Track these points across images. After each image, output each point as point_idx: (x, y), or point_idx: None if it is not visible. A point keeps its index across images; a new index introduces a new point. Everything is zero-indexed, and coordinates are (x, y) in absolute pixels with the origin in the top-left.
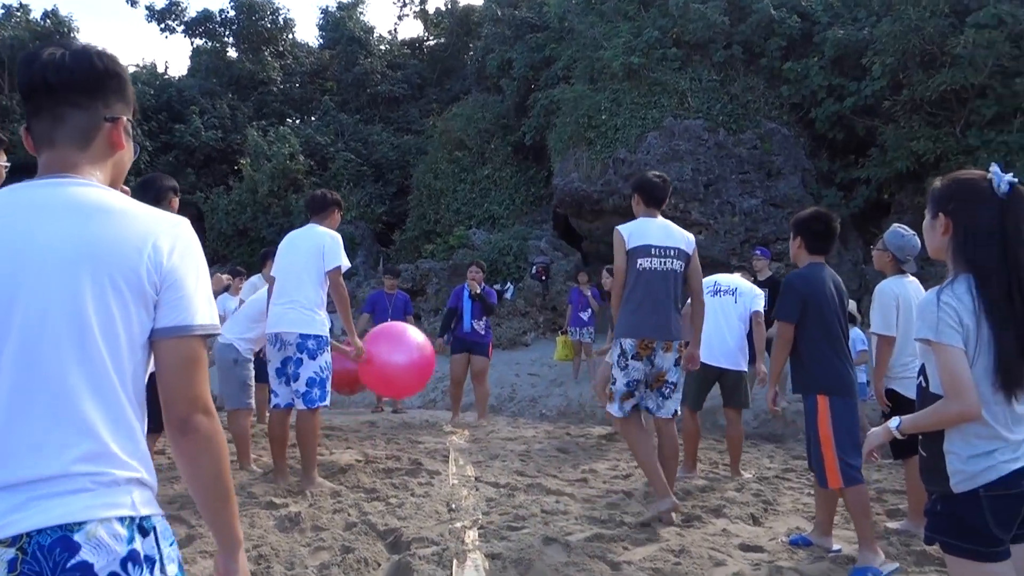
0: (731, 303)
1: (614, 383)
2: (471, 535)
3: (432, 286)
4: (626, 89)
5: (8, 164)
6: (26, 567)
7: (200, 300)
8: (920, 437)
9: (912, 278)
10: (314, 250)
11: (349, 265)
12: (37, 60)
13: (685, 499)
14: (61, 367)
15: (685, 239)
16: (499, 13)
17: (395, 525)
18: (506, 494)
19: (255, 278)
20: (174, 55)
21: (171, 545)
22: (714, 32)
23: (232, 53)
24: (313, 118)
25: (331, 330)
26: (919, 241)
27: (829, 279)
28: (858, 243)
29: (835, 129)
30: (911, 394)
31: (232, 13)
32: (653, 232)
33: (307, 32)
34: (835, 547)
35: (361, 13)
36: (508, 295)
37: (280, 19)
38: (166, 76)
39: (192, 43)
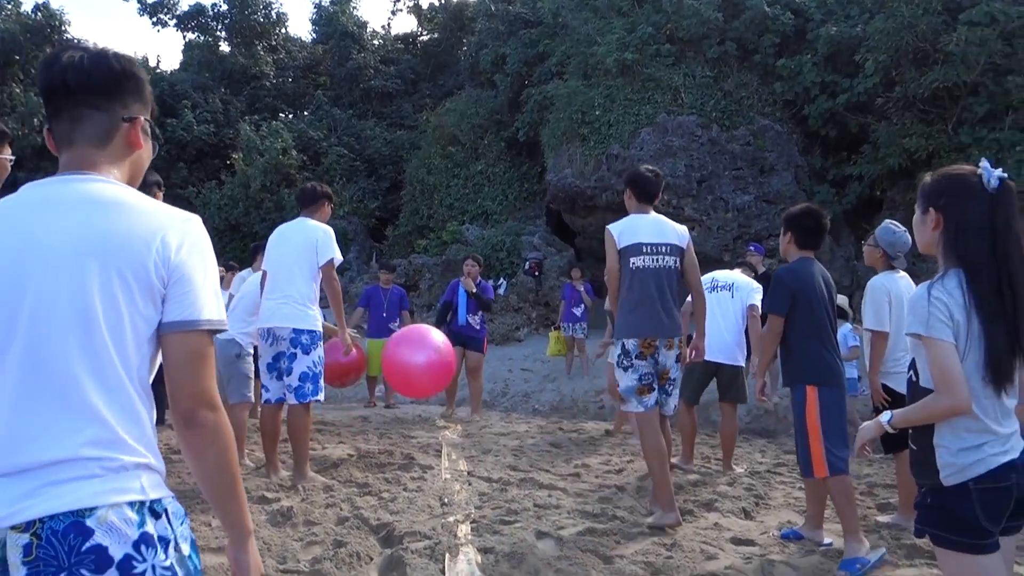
0: (728, 298)
1: (620, 383)
2: (463, 529)
3: (425, 281)
4: (619, 85)
5: (13, 158)
6: (41, 551)
7: (207, 295)
8: (910, 431)
9: (903, 274)
10: (306, 244)
11: (342, 259)
12: (57, 63)
13: (678, 493)
14: (66, 355)
15: (678, 234)
16: (493, 8)
17: (387, 519)
18: (499, 489)
19: (245, 272)
20: (166, 49)
21: (183, 524)
22: (708, 28)
23: (225, 47)
24: (306, 113)
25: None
26: (910, 237)
27: (818, 274)
28: (850, 239)
29: (828, 126)
30: (904, 389)
31: (224, 7)
32: (644, 230)
33: (300, 27)
34: (826, 541)
35: (354, 8)
36: (501, 291)
37: (273, 13)
38: (158, 70)
39: (184, 37)
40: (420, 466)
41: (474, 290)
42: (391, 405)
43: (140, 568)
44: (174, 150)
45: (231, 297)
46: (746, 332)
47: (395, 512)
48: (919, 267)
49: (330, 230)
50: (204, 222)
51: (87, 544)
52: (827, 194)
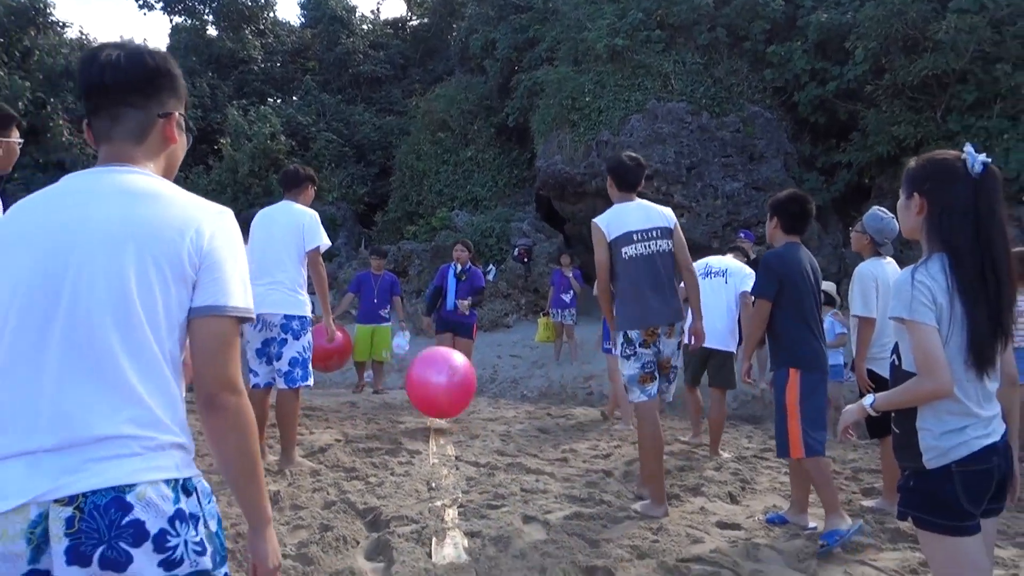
0: (721, 284)
1: (623, 372)
2: (451, 513)
3: (414, 267)
4: (610, 71)
5: (22, 140)
6: (84, 524)
7: (236, 284)
8: (893, 414)
9: (890, 260)
10: (293, 228)
11: (329, 244)
12: (95, 62)
13: (664, 478)
14: (105, 336)
15: (664, 216)
16: None
17: (374, 504)
18: (486, 473)
19: None
20: (153, 33)
21: (210, 503)
22: (698, 15)
23: (212, 31)
24: (294, 98)
25: None
26: (897, 224)
27: (805, 259)
28: (839, 227)
29: (817, 113)
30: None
31: None
32: (631, 217)
33: (288, 11)
34: (811, 525)
35: None
36: (491, 276)
37: None
38: None
39: (171, 21)
40: (408, 451)
41: (459, 269)
42: (379, 391)
43: (173, 542)
44: None
45: None
46: (739, 319)
47: (382, 496)
48: (907, 255)
49: (316, 215)
50: None
51: (127, 518)
52: (816, 181)
